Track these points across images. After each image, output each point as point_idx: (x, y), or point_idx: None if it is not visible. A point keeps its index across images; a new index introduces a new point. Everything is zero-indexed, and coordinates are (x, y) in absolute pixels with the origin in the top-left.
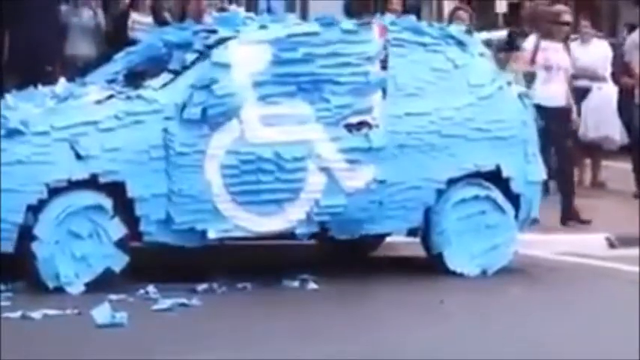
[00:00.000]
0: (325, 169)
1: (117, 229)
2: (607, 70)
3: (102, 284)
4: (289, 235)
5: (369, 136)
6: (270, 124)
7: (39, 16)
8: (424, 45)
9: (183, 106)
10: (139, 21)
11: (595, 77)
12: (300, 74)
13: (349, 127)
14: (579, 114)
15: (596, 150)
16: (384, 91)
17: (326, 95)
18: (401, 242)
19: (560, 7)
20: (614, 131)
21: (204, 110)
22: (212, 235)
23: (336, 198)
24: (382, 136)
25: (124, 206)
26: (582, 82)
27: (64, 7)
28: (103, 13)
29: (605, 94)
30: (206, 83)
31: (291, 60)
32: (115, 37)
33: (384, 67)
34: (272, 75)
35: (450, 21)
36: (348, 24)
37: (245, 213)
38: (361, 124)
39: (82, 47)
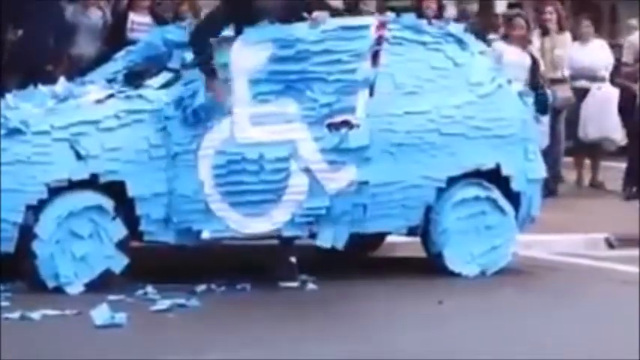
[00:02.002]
0: (307, 170)
1: (117, 230)
2: (607, 71)
3: (101, 284)
4: (279, 236)
5: (347, 136)
6: (258, 124)
7: (39, 16)
8: (424, 43)
9: (176, 106)
10: (138, 21)
11: (594, 78)
12: (292, 72)
13: (330, 127)
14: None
15: (596, 150)
16: (372, 89)
17: (314, 93)
18: (401, 242)
19: None
20: (615, 132)
21: (184, 109)
22: (206, 235)
23: (319, 199)
24: (362, 137)
25: (125, 206)
26: (581, 83)
27: (71, 7)
28: (110, 12)
29: (605, 95)
30: (187, 82)
31: (285, 58)
32: (113, 38)
33: (375, 64)
34: (267, 73)
35: (507, 29)
36: (346, 21)
37: (234, 214)
38: (343, 124)
39: (89, 47)
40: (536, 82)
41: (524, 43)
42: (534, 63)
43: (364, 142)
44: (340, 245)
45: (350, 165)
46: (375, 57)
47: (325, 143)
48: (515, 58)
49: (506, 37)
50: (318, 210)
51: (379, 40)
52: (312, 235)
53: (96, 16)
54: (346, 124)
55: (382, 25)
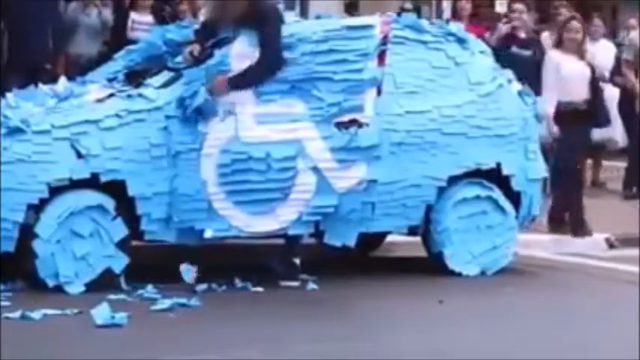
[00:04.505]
0: (315, 169)
1: (118, 229)
2: (607, 70)
3: (101, 284)
4: (284, 235)
5: (357, 135)
6: (263, 122)
7: (39, 15)
8: (425, 43)
9: (177, 105)
10: (139, 21)
11: (599, 78)
12: (297, 72)
13: (339, 126)
14: None
15: (598, 150)
16: (379, 89)
17: (320, 93)
18: (401, 242)
19: None
20: (617, 133)
21: (185, 109)
22: (209, 234)
23: (327, 198)
24: (372, 135)
25: (125, 205)
26: None
27: (72, 5)
28: (111, 11)
29: (608, 96)
30: (188, 82)
31: (289, 58)
32: (114, 37)
33: (382, 63)
34: None
35: (561, 32)
36: (350, 20)
37: (239, 212)
38: (351, 123)
39: (86, 44)
40: (598, 96)
41: (580, 51)
42: (593, 74)
43: (374, 140)
44: (351, 243)
45: (360, 163)
46: (381, 56)
47: (334, 142)
48: (575, 69)
49: (559, 44)
50: (326, 208)
51: (385, 40)
52: (314, 234)
53: (94, 14)
54: (355, 122)
55: (387, 25)
